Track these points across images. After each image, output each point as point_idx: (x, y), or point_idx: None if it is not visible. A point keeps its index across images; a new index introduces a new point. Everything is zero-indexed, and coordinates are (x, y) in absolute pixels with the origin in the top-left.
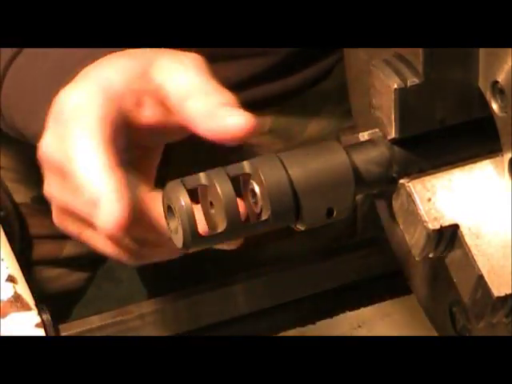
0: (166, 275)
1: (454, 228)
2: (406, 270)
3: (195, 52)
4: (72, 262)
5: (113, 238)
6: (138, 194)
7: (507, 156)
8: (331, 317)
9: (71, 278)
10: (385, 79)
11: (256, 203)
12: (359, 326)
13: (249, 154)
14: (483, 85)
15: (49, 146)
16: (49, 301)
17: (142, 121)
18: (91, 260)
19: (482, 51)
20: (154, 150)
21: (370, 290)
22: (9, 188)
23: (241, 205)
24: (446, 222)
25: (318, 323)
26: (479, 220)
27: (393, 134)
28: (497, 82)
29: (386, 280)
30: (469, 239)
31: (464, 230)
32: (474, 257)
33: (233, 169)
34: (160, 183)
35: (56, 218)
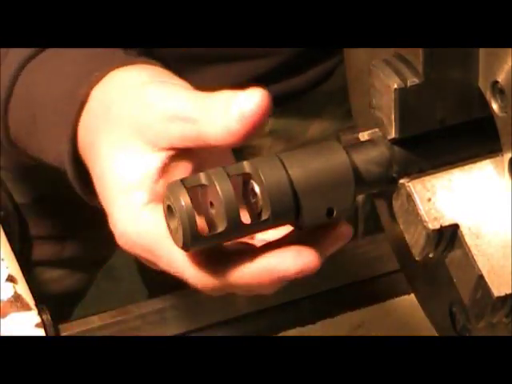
0: (166, 275)
1: (454, 228)
2: (405, 269)
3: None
4: (72, 263)
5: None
6: None
7: (507, 156)
8: (331, 317)
9: (72, 279)
10: (385, 79)
11: (256, 203)
12: (359, 326)
13: (250, 155)
14: (483, 85)
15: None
16: (49, 302)
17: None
18: (91, 261)
19: (482, 51)
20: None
21: (370, 290)
22: (9, 188)
23: (241, 205)
24: (446, 222)
25: (318, 323)
26: (479, 220)
27: (393, 134)
28: (497, 82)
29: (386, 280)
30: (469, 239)
31: (464, 229)
32: (474, 257)
33: (233, 169)
34: None
35: None
